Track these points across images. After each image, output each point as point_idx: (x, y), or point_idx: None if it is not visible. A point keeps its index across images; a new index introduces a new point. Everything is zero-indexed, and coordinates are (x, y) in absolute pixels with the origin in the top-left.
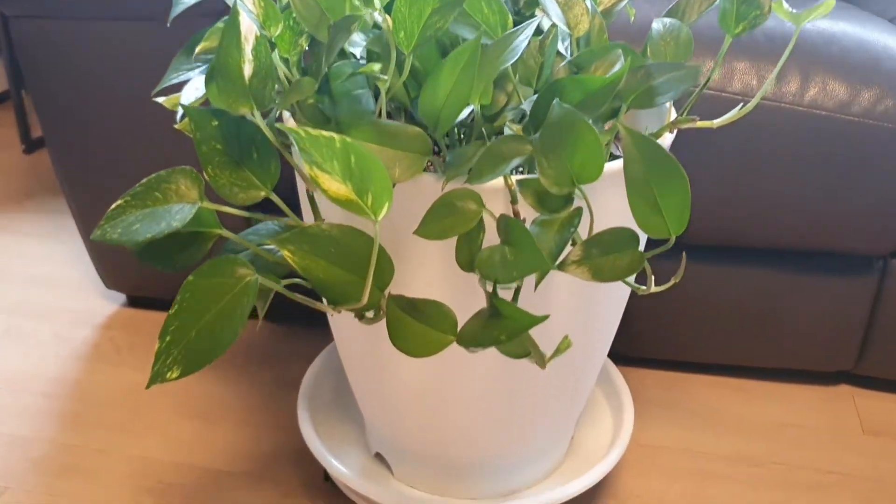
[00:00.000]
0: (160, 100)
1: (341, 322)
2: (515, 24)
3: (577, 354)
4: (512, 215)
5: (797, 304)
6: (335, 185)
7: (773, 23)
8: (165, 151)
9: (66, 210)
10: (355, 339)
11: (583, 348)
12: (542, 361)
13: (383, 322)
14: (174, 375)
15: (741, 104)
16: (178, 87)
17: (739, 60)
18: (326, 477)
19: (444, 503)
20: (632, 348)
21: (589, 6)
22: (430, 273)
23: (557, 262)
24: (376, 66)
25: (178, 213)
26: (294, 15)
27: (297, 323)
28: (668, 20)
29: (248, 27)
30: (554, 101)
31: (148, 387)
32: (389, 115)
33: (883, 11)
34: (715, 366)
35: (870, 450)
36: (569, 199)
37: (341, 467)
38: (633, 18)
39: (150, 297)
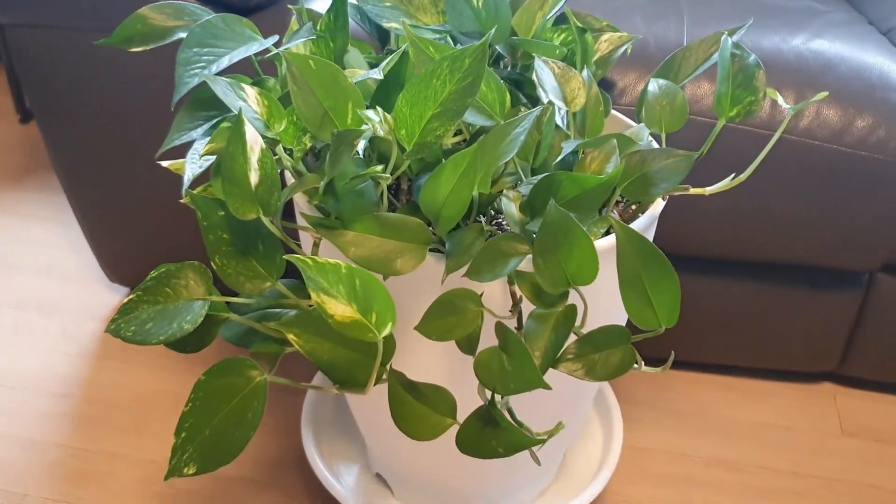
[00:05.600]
0: (165, 164)
1: None
2: (508, 82)
3: (568, 414)
4: (510, 295)
5: (786, 313)
6: (340, 307)
7: (770, 46)
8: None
9: None
10: None
11: (571, 416)
12: (537, 460)
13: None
14: (190, 472)
15: (733, 175)
16: (183, 149)
17: None
18: None
19: None
20: None
21: (585, 78)
22: (430, 346)
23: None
24: (379, 168)
25: (188, 314)
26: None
27: None
28: (663, 82)
29: (254, 137)
30: (550, 203)
31: (166, 479)
32: (391, 205)
33: (880, 20)
34: (702, 364)
35: (848, 452)
36: (564, 295)
37: (342, 490)
38: (629, 52)
39: None
